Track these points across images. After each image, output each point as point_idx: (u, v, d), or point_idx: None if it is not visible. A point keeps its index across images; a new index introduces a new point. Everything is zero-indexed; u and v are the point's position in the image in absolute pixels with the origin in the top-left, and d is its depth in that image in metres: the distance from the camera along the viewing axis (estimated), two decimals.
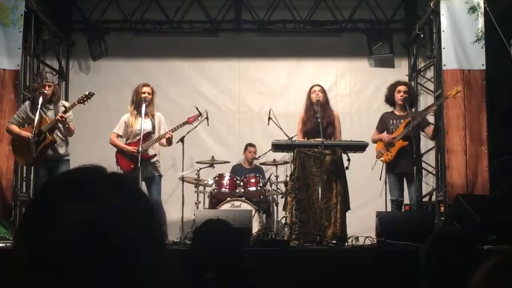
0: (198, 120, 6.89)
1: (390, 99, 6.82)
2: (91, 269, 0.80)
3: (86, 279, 0.79)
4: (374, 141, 6.69)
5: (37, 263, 0.81)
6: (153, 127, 6.58)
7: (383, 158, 6.57)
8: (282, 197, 7.34)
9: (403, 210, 6.91)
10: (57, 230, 0.81)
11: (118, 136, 6.68)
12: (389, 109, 6.93)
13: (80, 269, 0.79)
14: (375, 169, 6.65)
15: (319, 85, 6.64)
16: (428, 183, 8.54)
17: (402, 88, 6.74)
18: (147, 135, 6.51)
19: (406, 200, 6.81)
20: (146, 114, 6.51)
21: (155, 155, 6.54)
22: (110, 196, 0.85)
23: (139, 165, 6.19)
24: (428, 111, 6.70)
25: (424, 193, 7.89)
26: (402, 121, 6.59)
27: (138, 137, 6.41)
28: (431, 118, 7.38)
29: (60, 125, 6.33)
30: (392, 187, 6.62)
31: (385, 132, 6.71)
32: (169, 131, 6.51)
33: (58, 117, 6.17)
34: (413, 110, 7.19)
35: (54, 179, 0.90)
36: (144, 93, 6.54)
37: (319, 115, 6.34)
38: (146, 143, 6.43)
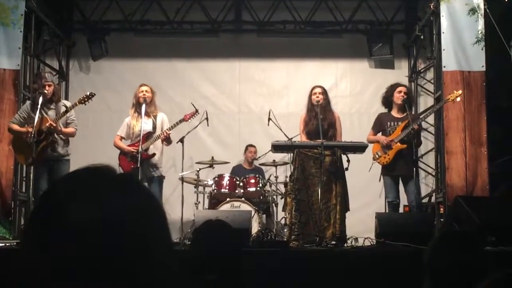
0: (195, 116, 6.88)
1: (388, 100, 6.80)
2: (98, 270, 0.80)
3: (93, 280, 0.80)
4: (370, 142, 6.67)
5: (43, 264, 0.81)
6: (154, 127, 6.59)
7: (380, 160, 6.56)
8: (281, 198, 7.34)
9: (402, 212, 6.91)
10: (64, 230, 0.81)
11: (122, 138, 6.71)
12: (385, 109, 6.92)
13: (87, 270, 0.80)
14: (375, 170, 6.65)
15: (320, 87, 6.63)
16: (428, 184, 8.55)
17: (402, 88, 6.73)
18: (148, 135, 6.52)
19: (403, 201, 6.80)
20: (147, 114, 6.53)
21: (155, 154, 6.55)
22: (117, 196, 0.85)
23: (138, 165, 6.20)
24: (427, 114, 6.71)
25: (423, 194, 7.90)
26: (399, 123, 6.57)
27: (139, 138, 6.43)
28: (430, 119, 7.39)
29: (60, 124, 6.33)
30: (388, 189, 6.61)
31: (381, 133, 6.70)
32: (166, 129, 6.53)
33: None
34: (411, 112, 7.18)
35: (61, 178, 0.90)
36: (142, 91, 6.56)
37: (321, 116, 6.34)
38: (146, 143, 6.44)
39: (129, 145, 6.63)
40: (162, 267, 0.86)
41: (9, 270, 0.85)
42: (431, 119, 8.00)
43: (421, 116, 6.99)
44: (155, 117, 6.64)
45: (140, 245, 0.83)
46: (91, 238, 0.80)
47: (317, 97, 6.47)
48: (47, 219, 0.83)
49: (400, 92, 6.68)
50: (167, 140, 6.60)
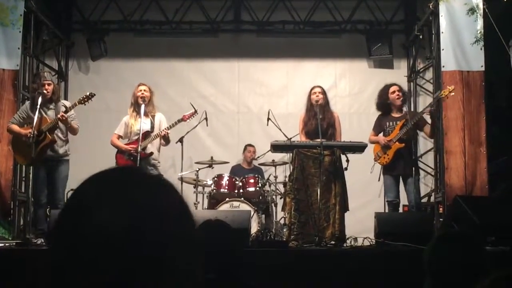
0: (193, 117, 6.88)
1: (384, 104, 6.77)
2: (125, 270, 0.80)
3: (120, 280, 0.79)
4: (371, 143, 6.69)
5: (71, 264, 0.81)
6: (152, 127, 6.60)
7: (380, 161, 6.58)
8: (281, 198, 7.34)
9: (401, 211, 6.92)
10: (92, 231, 0.81)
11: (119, 137, 6.72)
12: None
13: (115, 270, 0.79)
14: (374, 170, 6.66)
15: (320, 87, 6.64)
16: (427, 184, 8.55)
17: (394, 87, 6.73)
18: (146, 134, 6.53)
19: (403, 201, 6.81)
20: (146, 114, 6.53)
21: (152, 153, 6.56)
22: (145, 197, 0.85)
23: (137, 165, 6.20)
24: (425, 111, 6.70)
25: (423, 194, 7.89)
26: (398, 122, 6.58)
27: (136, 137, 6.46)
28: (428, 119, 7.37)
29: (62, 125, 6.34)
30: (388, 188, 6.62)
31: (382, 134, 6.72)
32: (165, 129, 6.54)
33: (59, 116, 6.18)
34: (410, 110, 7.19)
35: (89, 178, 0.89)
36: (140, 91, 6.58)
37: (320, 116, 6.34)
38: (144, 142, 6.45)
39: (126, 144, 6.63)
40: (187, 267, 0.85)
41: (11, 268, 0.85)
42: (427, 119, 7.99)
43: (419, 114, 6.96)
44: (153, 116, 6.65)
45: (166, 247, 0.83)
46: (118, 240, 0.80)
47: (317, 96, 6.47)
48: (75, 220, 0.83)
49: (393, 92, 6.68)
50: (165, 139, 6.61)
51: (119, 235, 0.80)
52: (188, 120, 6.85)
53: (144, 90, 6.60)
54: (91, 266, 0.80)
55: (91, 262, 0.80)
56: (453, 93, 6.55)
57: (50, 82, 6.44)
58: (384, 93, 6.79)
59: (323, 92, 6.57)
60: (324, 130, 6.30)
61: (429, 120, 6.82)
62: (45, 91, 6.29)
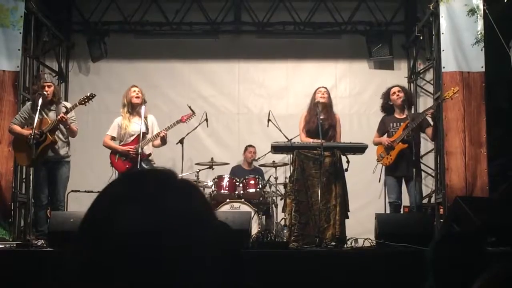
0: (191, 118, 6.90)
1: (387, 105, 6.81)
2: (148, 272, 0.79)
3: (141, 281, 0.79)
4: (375, 144, 6.71)
5: (96, 262, 0.81)
6: (147, 128, 6.62)
7: (383, 162, 6.58)
8: (281, 199, 7.34)
9: (402, 212, 6.91)
10: (118, 231, 0.81)
11: (112, 138, 6.71)
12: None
13: (137, 271, 0.79)
14: (376, 171, 6.66)
15: (325, 87, 6.69)
16: (428, 185, 8.54)
17: (395, 89, 6.75)
18: (142, 136, 6.54)
19: (405, 203, 6.80)
20: (139, 115, 6.55)
21: (151, 153, 6.60)
22: (175, 200, 0.85)
23: (138, 166, 6.21)
24: (427, 113, 6.69)
25: (423, 195, 7.88)
26: (401, 123, 6.59)
27: (131, 138, 6.52)
28: (430, 121, 7.37)
29: (62, 126, 6.34)
30: (390, 189, 6.62)
31: (386, 135, 6.72)
32: (163, 129, 6.55)
33: (59, 117, 6.18)
34: (412, 111, 7.18)
35: (117, 180, 0.89)
36: (135, 91, 6.60)
37: (321, 116, 6.35)
38: (142, 142, 6.46)
39: (122, 145, 6.63)
40: (211, 271, 0.85)
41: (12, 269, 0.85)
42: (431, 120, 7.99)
43: (422, 115, 6.93)
44: (146, 118, 6.66)
45: (189, 249, 0.83)
46: (140, 242, 0.80)
47: (322, 95, 6.50)
48: (100, 220, 0.83)
49: (394, 93, 6.70)
50: (162, 140, 6.61)
51: (140, 237, 0.80)
52: (186, 122, 6.86)
53: (139, 91, 6.63)
54: (116, 266, 0.79)
55: (116, 262, 0.79)
56: (457, 95, 6.56)
57: (50, 84, 6.44)
58: (386, 94, 6.81)
59: (328, 93, 6.61)
60: (325, 131, 6.31)
61: (431, 122, 6.81)
62: (45, 93, 6.29)
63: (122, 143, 6.64)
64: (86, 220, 0.86)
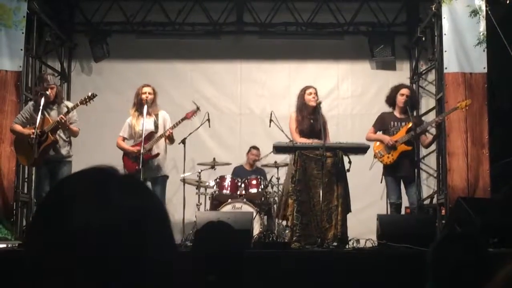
0: (196, 114, 6.88)
1: (391, 100, 6.80)
2: (97, 270, 0.80)
3: (95, 279, 0.80)
4: (370, 140, 6.65)
5: (46, 264, 0.81)
6: (156, 126, 6.60)
7: (383, 160, 6.54)
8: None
9: (404, 213, 6.90)
10: (67, 230, 0.81)
11: (124, 138, 6.70)
12: (388, 109, 6.90)
13: (90, 270, 0.80)
14: (377, 172, 6.64)
15: (313, 87, 6.62)
16: (429, 185, 8.54)
17: (405, 91, 6.71)
18: (150, 135, 6.53)
19: (405, 203, 6.79)
20: (149, 114, 6.53)
21: (158, 154, 6.54)
22: (122, 197, 0.85)
23: (141, 166, 6.21)
24: (431, 123, 6.65)
25: (425, 195, 7.89)
26: (403, 124, 6.57)
27: (141, 138, 6.43)
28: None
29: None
30: (390, 189, 6.59)
31: (383, 132, 6.68)
32: (169, 128, 6.53)
33: (58, 118, 6.18)
34: (415, 114, 7.17)
35: (65, 179, 0.90)
36: (145, 93, 6.57)
37: (312, 116, 6.35)
38: (149, 143, 6.45)
39: (132, 146, 6.62)
40: (163, 268, 0.86)
41: (14, 269, 0.86)
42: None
43: (426, 124, 6.81)
44: (156, 115, 6.64)
45: (140, 246, 0.83)
46: (91, 239, 0.80)
47: (313, 97, 6.47)
48: (50, 218, 0.84)
49: (402, 95, 6.66)
50: (170, 139, 6.60)
51: (91, 233, 0.80)
52: (191, 118, 6.85)
53: (149, 93, 6.58)
54: (64, 265, 0.80)
55: (64, 261, 0.80)
56: (467, 108, 6.54)
57: (53, 86, 6.44)
58: (395, 90, 6.75)
59: (317, 93, 6.57)
60: (318, 131, 6.29)
61: (432, 130, 6.79)
62: (47, 93, 6.29)
63: (133, 144, 6.64)
64: (36, 218, 0.86)
